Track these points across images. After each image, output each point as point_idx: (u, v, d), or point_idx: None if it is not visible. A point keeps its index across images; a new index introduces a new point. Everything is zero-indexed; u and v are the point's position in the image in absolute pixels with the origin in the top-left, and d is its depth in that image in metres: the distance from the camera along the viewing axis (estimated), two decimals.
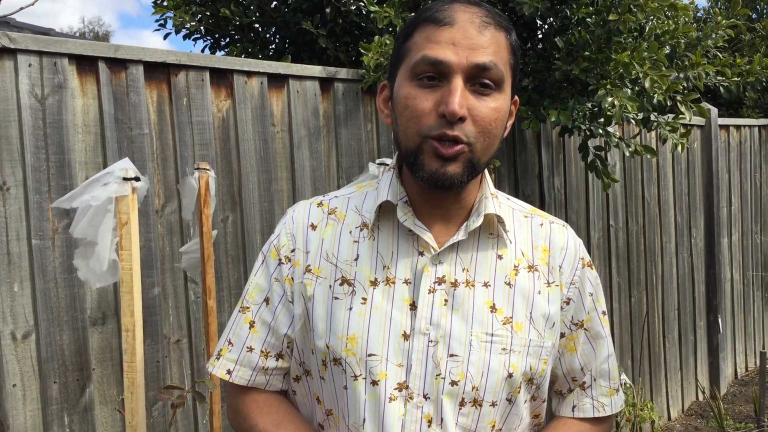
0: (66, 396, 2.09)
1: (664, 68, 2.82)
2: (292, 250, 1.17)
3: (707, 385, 5.07)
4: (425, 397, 1.07)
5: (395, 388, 1.07)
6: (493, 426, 1.10)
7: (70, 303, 2.09)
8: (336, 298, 1.12)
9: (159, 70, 2.31)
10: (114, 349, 2.19)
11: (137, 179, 1.71)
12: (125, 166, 1.71)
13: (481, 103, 1.05)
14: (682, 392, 4.86)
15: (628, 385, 3.99)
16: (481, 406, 1.08)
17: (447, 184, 1.06)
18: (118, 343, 2.20)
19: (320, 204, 1.22)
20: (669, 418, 4.73)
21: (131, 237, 1.72)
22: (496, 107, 1.07)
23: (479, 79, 1.05)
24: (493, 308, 1.11)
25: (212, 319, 2.09)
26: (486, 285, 1.12)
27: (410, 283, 1.11)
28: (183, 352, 2.36)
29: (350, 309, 1.10)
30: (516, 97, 1.18)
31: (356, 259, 1.13)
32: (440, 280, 1.10)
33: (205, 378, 2.28)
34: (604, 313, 1.25)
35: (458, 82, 1.04)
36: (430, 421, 1.06)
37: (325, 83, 2.78)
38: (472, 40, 1.05)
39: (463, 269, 1.12)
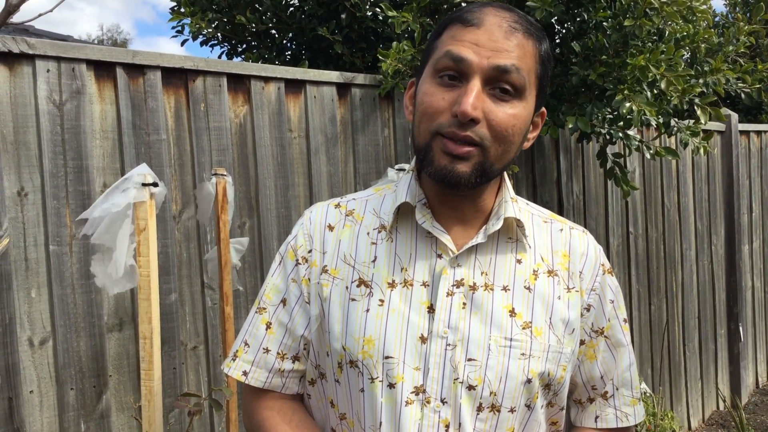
0: (83, 402, 2.08)
1: (680, 69, 2.78)
2: (309, 251, 1.16)
3: (728, 394, 4.99)
4: (443, 401, 1.05)
5: (412, 392, 1.05)
6: None
7: (87, 309, 2.08)
8: (353, 300, 1.11)
9: (176, 76, 2.30)
10: (131, 356, 2.18)
11: (155, 185, 1.70)
12: (143, 172, 1.70)
13: (499, 107, 1.04)
14: (702, 401, 4.79)
15: (648, 394, 3.93)
16: (499, 411, 1.06)
17: (454, 182, 1.05)
18: (135, 349, 2.18)
19: (338, 205, 1.21)
20: (689, 428, 4.66)
21: (149, 243, 1.70)
22: (514, 114, 1.05)
23: (499, 83, 1.04)
24: (512, 312, 1.09)
25: (229, 326, 2.08)
26: (505, 289, 1.10)
27: (428, 285, 1.09)
28: (200, 358, 2.34)
29: (367, 310, 1.09)
30: (543, 109, 1.16)
31: (374, 261, 1.12)
32: (459, 283, 1.09)
33: (222, 385, 2.27)
34: (625, 320, 1.23)
35: (475, 83, 1.02)
36: (447, 426, 1.04)
37: (342, 89, 2.76)
38: (497, 43, 1.04)
39: (482, 273, 1.11)
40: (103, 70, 2.14)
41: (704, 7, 3.09)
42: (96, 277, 1.74)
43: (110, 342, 2.14)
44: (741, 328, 5.01)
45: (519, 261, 1.13)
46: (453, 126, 1.02)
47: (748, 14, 3.53)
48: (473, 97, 1.01)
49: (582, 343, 1.18)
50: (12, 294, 1.95)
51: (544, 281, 1.13)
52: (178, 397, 1.93)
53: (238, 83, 2.47)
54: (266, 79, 2.53)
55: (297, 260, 1.17)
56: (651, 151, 3.13)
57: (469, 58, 1.02)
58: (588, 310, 1.17)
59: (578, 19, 2.99)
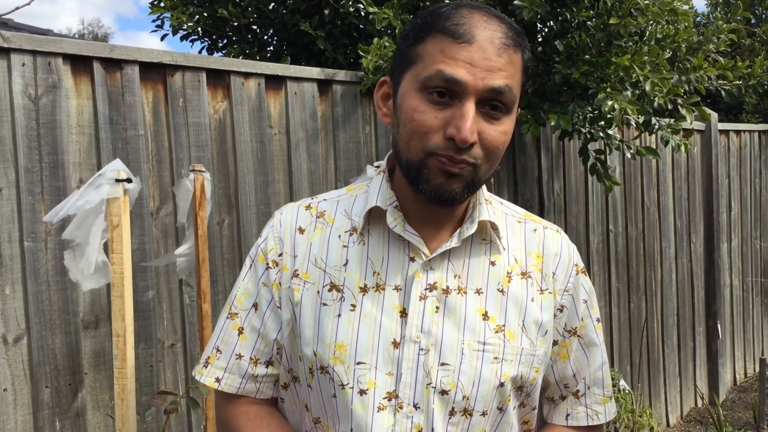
0: (58, 401, 2.06)
1: (665, 71, 2.80)
2: (280, 254, 1.14)
3: (706, 391, 5.04)
4: (415, 406, 1.04)
5: (384, 398, 1.04)
6: None
7: (62, 306, 2.06)
8: (324, 305, 1.09)
9: (155, 71, 2.28)
10: (107, 354, 2.15)
11: (129, 181, 1.68)
12: (117, 168, 1.68)
13: (491, 127, 1.02)
14: (681, 398, 4.83)
15: (626, 391, 3.96)
16: (471, 415, 1.05)
17: (449, 200, 1.04)
18: (111, 347, 2.16)
19: (308, 207, 1.18)
20: (668, 425, 4.70)
21: (122, 240, 1.68)
22: (505, 130, 1.04)
23: (491, 102, 1.02)
24: (485, 316, 1.08)
25: (207, 323, 2.06)
26: (478, 292, 1.09)
27: (401, 289, 1.08)
28: (177, 356, 2.32)
29: (339, 316, 1.07)
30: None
31: (345, 265, 1.10)
32: (431, 287, 1.07)
33: (199, 384, 2.25)
34: (598, 320, 1.23)
35: (470, 106, 0.99)
36: (420, 431, 1.03)
37: (324, 85, 2.75)
38: (490, 62, 1.00)
39: (455, 276, 1.09)
40: (80, 64, 2.11)
41: (686, 8, 3.11)
42: (70, 271, 1.71)
43: (86, 340, 2.12)
44: (719, 326, 5.06)
45: (493, 263, 1.12)
46: (450, 150, 1.00)
47: (728, 14, 3.56)
48: (471, 122, 0.99)
49: (555, 343, 1.18)
50: None
51: (517, 283, 1.12)
52: (154, 395, 1.92)
53: (218, 79, 2.44)
54: (246, 75, 2.51)
55: (267, 264, 1.15)
56: (631, 151, 3.15)
57: (465, 80, 0.99)
58: (561, 310, 1.16)
59: (561, 18, 3.00)
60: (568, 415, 1.22)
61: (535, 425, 1.22)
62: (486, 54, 1.00)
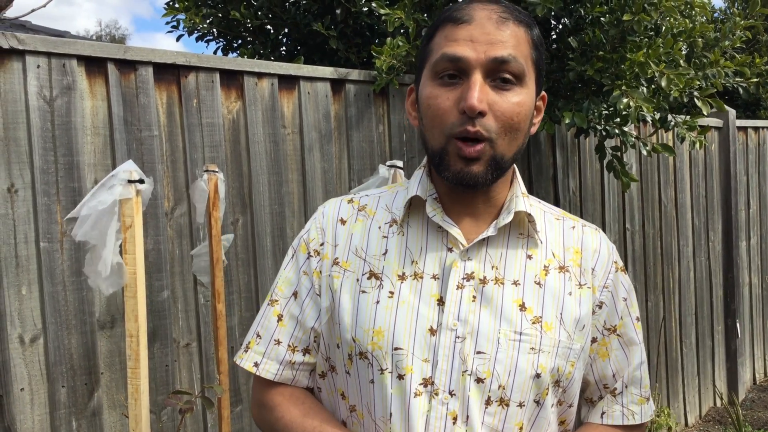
0: (74, 400, 2.07)
1: (681, 63, 2.78)
2: (321, 244, 1.18)
3: (725, 390, 4.99)
4: (451, 393, 1.05)
5: (420, 383, 1.06)
6: (521, 428, 1.08)
7: (78, 306, 2.07)
8: (363, 292, 1.12)
9: (169, 72, 2.29)
10: (122, 353, 2.17)
11: (141, 181, 1.69)
12: (129, 168, 1.68)
13: (502, 97, 1.05)
14: (699, 398, 4.79)
15: None
16: (508, 405, 1.06)
17: (471, 183, 1.07)
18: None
19: (351, 201, 1.23)
20: (686, 424, 4.66)
21: (135, 240, 1.69)
22: (519, 101, 1.07)
23: (499, 74, 1.05)
24: (522, 307, 1.10)
25: (221, 323, 2.07)
26: (515, 283, 1.11)
27: (438, 278, 1.10)
28: (192, 356, 2.33)
29: (377, 302, 1.10)
30: (543, 93, 1.17)
31: (385, 254, 1.14)
32: (469, 276, 1.10)
33: (214, 383, 2.26)
34: (637, 318, 1.23)
35: (477, 78, 1.04)
36: (455, 419, 1.05)
37: (337, 85, 2.75)
38: (490, 35, 1.05)
39: (493, 267, 1.11)
40: (94, 65, 2.13)
41: (705, 0, 3.08)
42: (89, 278, 1.73)
43: (102, 339, 2.13)
44: (738, 325, 5.01)
45: (530, 256, 1.14)
46: (464, 124, 1.04)
47: (745, 9, 3.52)
48: (477, 91, 1.03)
49: (594, 340, 1.18)
50: (2, 291, 1.94)
51: (554, 277, 1.14)
52: (169, 395, 1.92)
53: (231, 79, 2.45)
54: (259, 75, 2.52)
55: (309, 253, 1.19)
56: (647, 148, 3.12)
57: (466, 55, 1.04)
58: (600, 307, 1.17)
59: (575, 14, 2.98)
60: (603, 413, 1.22)
61: (573, 426, 1.21)
62: (485, 29, 1.06)
